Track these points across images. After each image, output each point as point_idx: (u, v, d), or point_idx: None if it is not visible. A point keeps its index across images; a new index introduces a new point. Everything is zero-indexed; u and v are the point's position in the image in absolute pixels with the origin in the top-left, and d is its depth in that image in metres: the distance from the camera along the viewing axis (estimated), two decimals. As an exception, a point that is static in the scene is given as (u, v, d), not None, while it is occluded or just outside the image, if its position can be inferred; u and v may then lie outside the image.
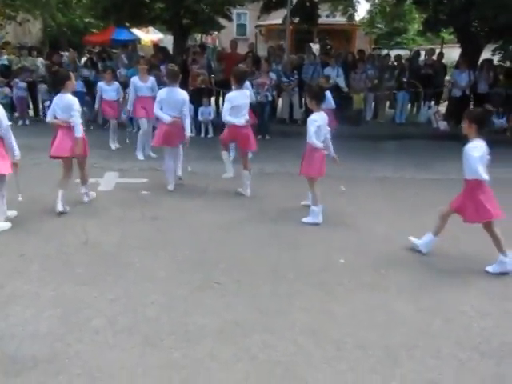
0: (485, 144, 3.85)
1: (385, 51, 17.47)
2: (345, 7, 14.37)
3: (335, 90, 10.43)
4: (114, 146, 8.16)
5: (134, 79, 7.48)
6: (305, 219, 4.88)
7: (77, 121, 4.90)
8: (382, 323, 3.14)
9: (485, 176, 3.76)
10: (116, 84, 8.24)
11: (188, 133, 5.85)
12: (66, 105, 4.92)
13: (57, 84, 5.27)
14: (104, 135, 8.29)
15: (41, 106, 10.98)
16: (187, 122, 5.79)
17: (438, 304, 3.38)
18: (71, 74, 5.20)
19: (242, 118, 5.53)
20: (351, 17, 14.61)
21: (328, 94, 6.82)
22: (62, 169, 5.03)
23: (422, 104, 11.31)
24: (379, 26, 21.74)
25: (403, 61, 11.67)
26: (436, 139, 9.56)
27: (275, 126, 9.84)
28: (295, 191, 5.62)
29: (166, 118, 5.66)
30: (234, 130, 5.60)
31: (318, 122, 4.73)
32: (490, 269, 3.89)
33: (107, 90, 8.11)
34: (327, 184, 6.20)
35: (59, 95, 5.00)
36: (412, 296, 3.49)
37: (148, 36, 19.29)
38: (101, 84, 8.19)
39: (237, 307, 3.27)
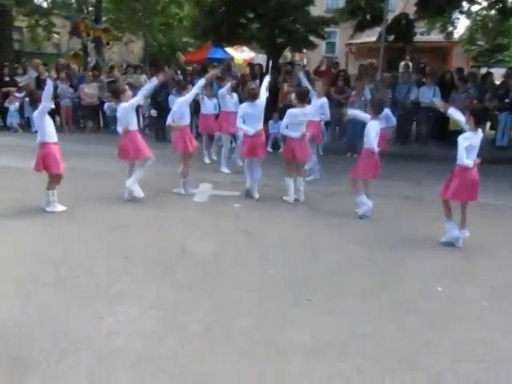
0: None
1: (484, 69, 16.49)
2: (443, 24, 13.82)
3: (431, 110, 10.06)
4: (208, 159, 8.50)
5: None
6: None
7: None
8: (485, 359, 2.93)
9: (467, 162, 4.47)
10: (215, 100, 8.38)
11: None
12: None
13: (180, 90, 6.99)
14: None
15: (142, 118, 11.79)
16: None
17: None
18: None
19: (298, 132, 5.96)
20: (450, 34, 14.00)
21: (388, 110, 6.71)
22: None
23: (528, 126, 10.47)
24: (479, 42, 20.55)
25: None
26: (543, 165, 8.79)
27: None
28: (385, 213, 5.50)
29: (250, 130, 6.00)
30: (291, 143, 6.07)
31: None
32: None
33: (208, 104, 8.34)
34: (421, 207, 5.95)
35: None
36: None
37: (241, 55, 20.00)
38: (205, 98, 8.31)
39: (328, 327, 3.24)
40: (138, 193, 5.84)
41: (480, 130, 4.63)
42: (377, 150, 5.40)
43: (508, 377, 2.77)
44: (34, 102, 5.37)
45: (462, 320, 3.38)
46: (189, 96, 6.23)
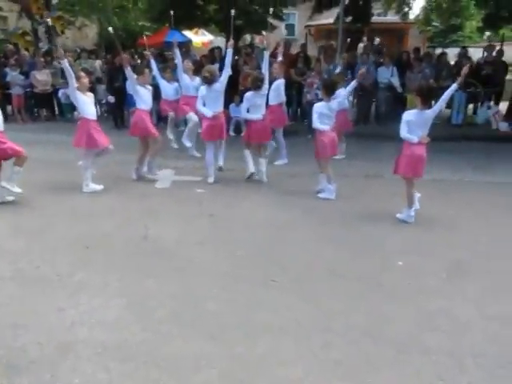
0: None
1: (439, 50, 16.92)
2: (399, 5, 14.02)
3: (389, 89, 10.26)
4: (176, 144, 8.25)
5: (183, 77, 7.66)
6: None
7: None
8: (445, 329, 3.05)
9: (407, 136, 4.73)
10: (176, 84, 8.15)
11: None
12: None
13: None
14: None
15: (98, 105, 11.40)
16: None
17: (507, 313, 3.23)
18: None
19: (258, 114, 6.06)
20: (405, 15, 14.23)
21: (342, 91, 6.66)
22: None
23: (480, 104, 10.87)
24: (435, 23, 21.00)
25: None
26: (496, 141, 9.15)
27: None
28: (348, 192, 5.59)
29: (208, 112, 5.95)
30: (251, 126, 6.15)
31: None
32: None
33: (168, 88, 8.09)
34: (382, 185, 6.08)
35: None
36: (476, 303, 3.37)
37: (199, 38, 19.61)
38: (164, 82, 8.05)
39: (296, 306, 3.27)
40: (97, 188, 5.74)
41: (429, 111, 4.72)
42: (323, 128, 5.45)
43: (469, 346, 2.88)
44: None
45: (423, 292, 3.49)
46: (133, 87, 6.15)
